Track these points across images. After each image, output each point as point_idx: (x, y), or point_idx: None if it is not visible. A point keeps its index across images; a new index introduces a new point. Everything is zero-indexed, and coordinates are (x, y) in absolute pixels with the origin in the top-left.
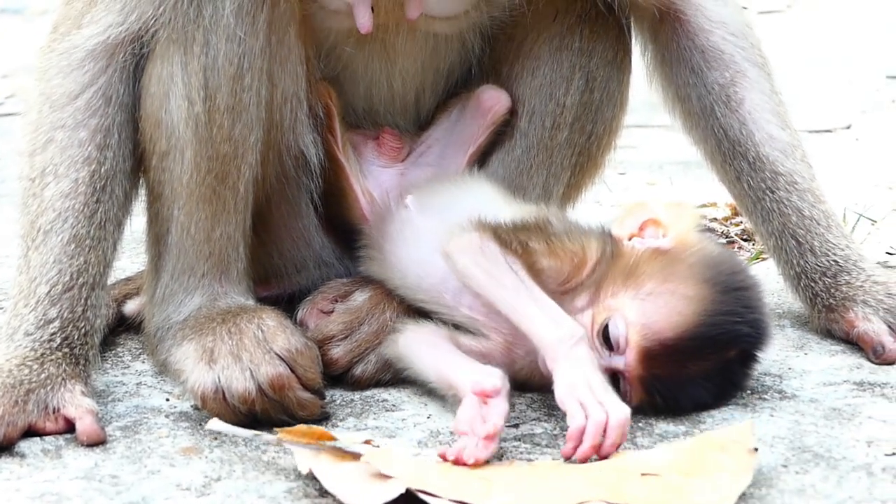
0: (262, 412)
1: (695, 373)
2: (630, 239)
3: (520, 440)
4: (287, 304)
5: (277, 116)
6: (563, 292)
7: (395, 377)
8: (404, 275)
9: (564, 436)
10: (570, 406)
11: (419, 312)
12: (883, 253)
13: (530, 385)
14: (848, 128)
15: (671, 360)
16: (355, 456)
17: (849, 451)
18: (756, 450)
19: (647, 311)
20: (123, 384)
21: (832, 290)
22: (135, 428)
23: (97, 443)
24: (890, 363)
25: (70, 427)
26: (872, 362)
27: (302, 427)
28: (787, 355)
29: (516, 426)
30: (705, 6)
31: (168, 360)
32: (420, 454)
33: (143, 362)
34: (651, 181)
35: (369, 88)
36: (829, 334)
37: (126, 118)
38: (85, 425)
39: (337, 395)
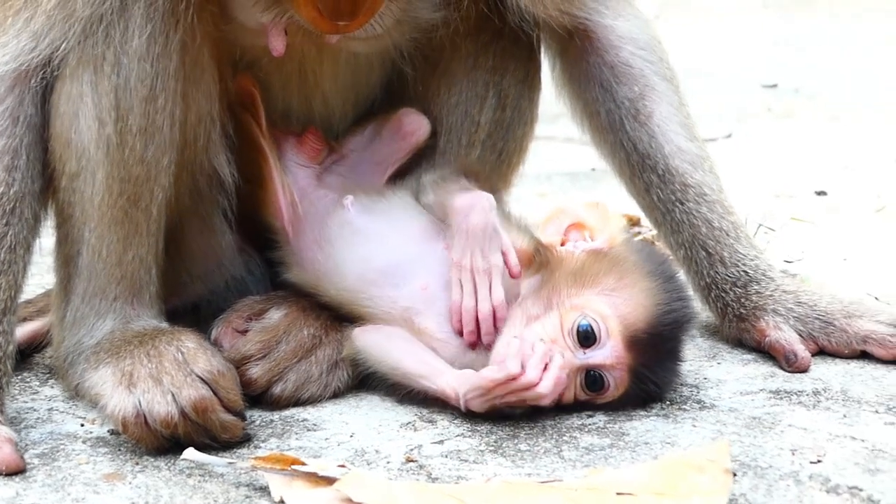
0: (185, 435)
1: (665, 356)
2: (563, 245)
3: (446, 457)
4: (191, 314)
5: (191, 137)
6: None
7: (315, 396)
8: (343, 276)
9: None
10: (452, 281)
11: (338, 326)
12: (782, 261)
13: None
14: (729, 136)
15: (649, 347)
16: (329, 481)
17: (774, 459)
18: (733, 473)
19: (617, 305)
20: (34, 410)
21: (742, 300)
22: (52, 455)
23: (17, 472)
24: (802, 371)
25: None
26: (785, 370)
27: (274, 454)
28: (700, 365)
29: (441, 442)
30: (614, 23)
31: (82, 384)
32: (394, 478)
33: (53, 387)
34: (541, 192)
35: (287, 106)
36: (740, 343)
37: (34, 139)
38: (4, 454)
39: (256, 416)
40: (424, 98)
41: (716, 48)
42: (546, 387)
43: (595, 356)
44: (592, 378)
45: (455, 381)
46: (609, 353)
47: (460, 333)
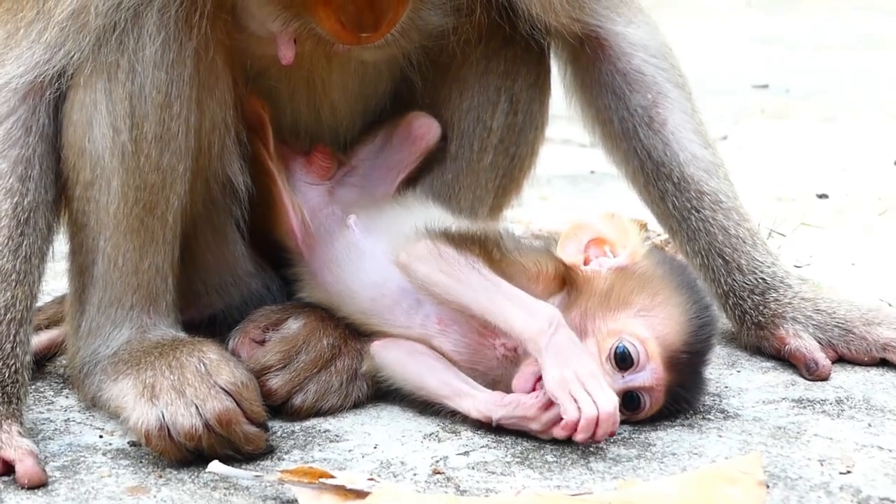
0: (209, 448)
1: (698, 369)
2: (586, 263)
3: (473, 468)
4: (207, 327)
5: (206, 144)
6: None
7: (335, 407)
8: (357, 301)
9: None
10: (562, 400)
11: (356, 336)
12: (791, 267)
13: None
14: (725, 138)
15: (687, 364)
16: (359, 494)
17: (803, 470)
18: (766, 484)
19: (654, 326)
20: (51, 421)
21: (761, 308)
22: (73, 468)
23: (39, 485)
24: (823, 379)
25: (8, 469)
26: (806, 379)
27: (302, 466)
28: (720, 373)
29: (466, 454)
30: (626, 30)
31: (101, 396)
32: (423, 491)
33: (68, 397)
34: (542, 196)
35: (295, 115)
36: (758, 351)
37: (47, 148)
38: (26, 467)
39: (277, 427)
40: (434, 104)
41: (703, 49)
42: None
43: (635, 379)
44: (630, 399)
45: (484, 407)
46: (649, 375)
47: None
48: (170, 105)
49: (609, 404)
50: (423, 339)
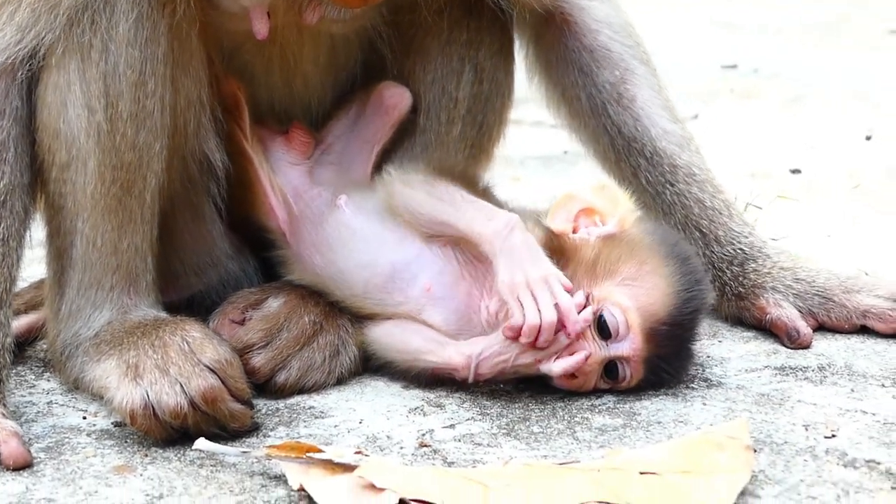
0: (194, 426)
1: (683, 341)
2: (575, 232)
3: (459, 441)
4: (186, 310)
5: (181, 122)
6: None
7: (319, 383)
8: (351, 283)
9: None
10: (509, 304)
11: (338, 312)
12: (769, 239)
13: None
14: (695, 117)
15: (669, 336)
16: (347, 468)
17: (789, 435)
18: (753, 449)
19: (637, 295)
20: (34, 404)
21: (740, 279)
22: (58, 449)
23: (24, 466)
24: (805, 347)
25: None
26: (788, 347)
27: (288, 442)
28: (702, 343)
29: (452, 426)
30: (590, 5)
31: (83, 377)
32: (410, 463)
33: (49, 380)
34: (515, 177)
35: (270, 89)
36: (739, 322)
37: (21, 131)
38: (10, 448)
39: (261, 405)
40: (401, 77)
41: (668, 32)
42: (545, 339)
43: (617, 349)
44: (612, 368)
45: (466, 347)
46: (627, 346)
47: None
48: (144, 83)
49: (550, 313)
50: (413, 314)
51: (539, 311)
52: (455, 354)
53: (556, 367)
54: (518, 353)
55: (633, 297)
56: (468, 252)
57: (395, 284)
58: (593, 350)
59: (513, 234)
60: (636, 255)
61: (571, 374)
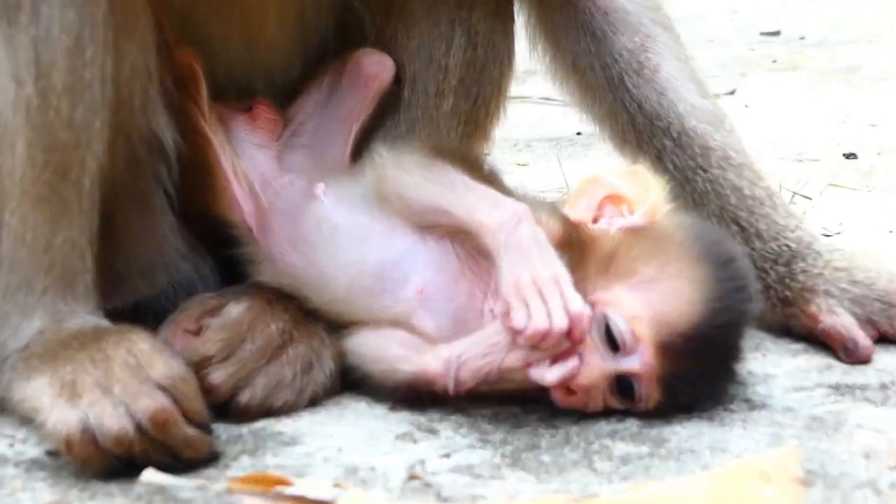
0: (141, 454)
1: (713, 361)
2: (595, 222)
3: (456, 472)
4: (130, 318)
5: (126, 94)
6: None
7: (289, 403)
8: (333, 286)
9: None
10: (513, 303)
11: (310, 319)
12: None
13: None
14: (732, 93)
15: (690, 353)
16: None
17: (845, 465)
18: (804, 481)
19: (653, 302)
20: None
21: (787, 281)
22: None
23: None
24: (864, 362)
25: None
26: (844, 362)
27: (253, 473)
28: (743, 357)
29: (447, 456)
30: None
31: (10, 397)
32: (398, 499)
33: None
34: (522, 161)
35: (229, 59)
36: (786, 332)
37: None
38: None
39: (221, 431)
40: (382, 44)
41: None
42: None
43: (626, 363)
44: (624, 385)
45: (446, 351)
46: (637, 360)
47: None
48: (81, 50)
49: (562, 321)
50: (401, 319)
51: (550, 315)
52: (432, 360)
53: (550, 374)
54: (506, 356)
55: (647, 304)
56: (469, 246)
57: (384, 286)
58: (593, 361)
59: (520, 226)
60: (660, 254)
61: (569, 389)
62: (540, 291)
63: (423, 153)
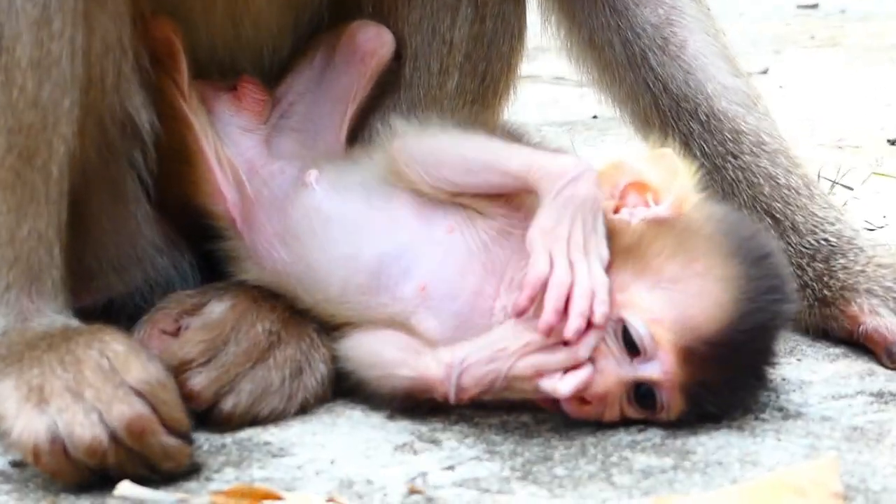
0: (116, 465)
1: (742, 368)
2: (616, 212)
3: (461, 486)
4: (102, 317)
5: (97, 71)
6: None
7: (277, 411)
8: (325, 284)
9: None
10: (536, 250)
11: (300, 319)
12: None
13: None
14: (765, 72)
15: (717, 360)
16: None
17: (888, 480)
18: (844, 496)
19: (676, 303)
20: None
21: (825, 279)
22: None
23: None
24: None
25: None
26: (888, 367)
27: (239, 486)
28: (776, 363)
29: (451, 468)
30: None
31: None
32: None
33: None
34: None
35: (211, 32)
36: (824, 334)
37: None
38: None
39: (202, 440)
40: (380, 16)
41: None
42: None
43: (645, 370)
44: (642, 393)
45: (446, 354)
46: (657, 367)
47: (521, 313)
48: (49, 21)
49: (587, 282)
50: (400, 319)
51: (573, 275)
52: (432, 363)
53: (562, 385)
54: (514, 363)
55: (670, 305)
56: (490, 231)
57: (382, 282)
58: (608, 367)
59: (582, 179)
60: (686, 250)
61: (582, 398)
62: (569, 255)
63: (441, 125)
